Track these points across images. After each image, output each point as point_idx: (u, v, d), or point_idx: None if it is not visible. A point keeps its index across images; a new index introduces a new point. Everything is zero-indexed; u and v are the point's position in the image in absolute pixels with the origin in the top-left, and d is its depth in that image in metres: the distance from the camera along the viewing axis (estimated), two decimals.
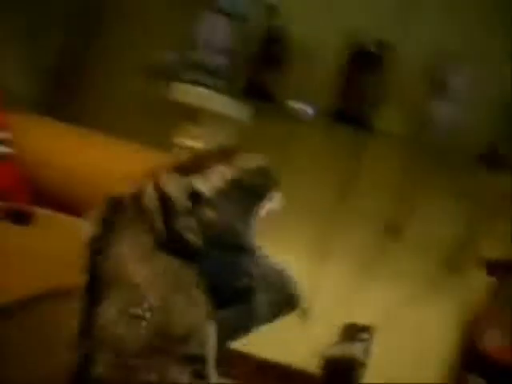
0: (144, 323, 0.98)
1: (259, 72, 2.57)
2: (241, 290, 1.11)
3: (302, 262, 2.69)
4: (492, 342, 2.19)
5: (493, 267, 2.20)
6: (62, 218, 1.73)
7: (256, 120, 2.59)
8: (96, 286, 1.03)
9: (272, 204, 1.17)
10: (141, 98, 2.76)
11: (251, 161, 1.17)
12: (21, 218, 1.48)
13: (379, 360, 2.61)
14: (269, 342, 2.64)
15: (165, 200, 1.04)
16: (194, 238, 1.04)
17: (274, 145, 2.65)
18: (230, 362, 2.64)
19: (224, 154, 1.16)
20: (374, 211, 2.64)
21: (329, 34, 2.61)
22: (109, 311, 1.00)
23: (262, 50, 2.56)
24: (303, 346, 2.64)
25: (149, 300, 1.00)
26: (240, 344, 2.65)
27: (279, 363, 2.66)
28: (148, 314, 0.99)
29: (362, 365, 1.66)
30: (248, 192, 1.15)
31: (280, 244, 2.70)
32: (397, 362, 2.61)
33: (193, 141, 2.39)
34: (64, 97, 2.85)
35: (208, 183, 1.09)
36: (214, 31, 2.49)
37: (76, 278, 1.28)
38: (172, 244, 1.04)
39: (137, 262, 1.02)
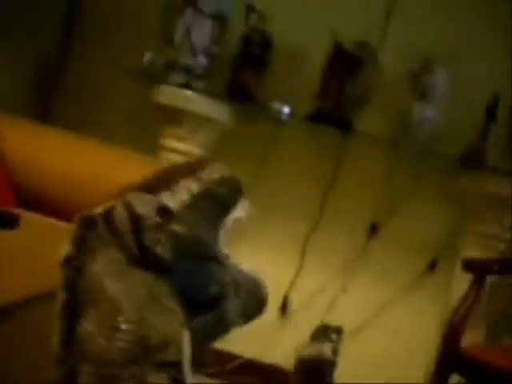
0: (121, 335, 1.03)
1: (241, 73, 2.57)
2: (212, 298, 1.18)
3: (284, 260, 2.70)
4: (472, 341, 2.22)
5: (470, 265, 2.23)
6: (49, 221, 1.72)
7: (238, 121, 2.60)
8: (74, 303, 1.07)
9: (239, 213, 1.21)
10: (125, 100, 2.75)
11: (216, 172, 1.22)
12: (7, 222, 1.47)
13: (359, 360, 2.64)
14: (251, 341, 2.66)
15: (134, 218, 1.08)
16: (163, 251, 1.08)
17: (256, 146, 2.67)
18: (215, 361, 2.66)
19: (189, 168, 1.22)
20: (355, 211, 2.66)
21: (310, 35, 2.63)
22: (88, 325, 1.05)
23: (243, 52, 2.57)
24: (284, 344, 2.65)
25: (125, 313, 1.04)
26: (224, 344, 2.67)
27: (261, 362, 2.67)
28: (125, 326, 1.03)
29: (332, 364, 1.72)
30: (215, 203, 1.20)
31: (261, 243, 2.71)
32: (376, 362, 2.64)
33: (177, 142, 2.40)
34: (47, 100, 2.84)
35: (175, 198, 1.14)
36: (196, 33, 2.49)
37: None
38: (144, 259, 1.08)
39: (111, 278, 1.07)
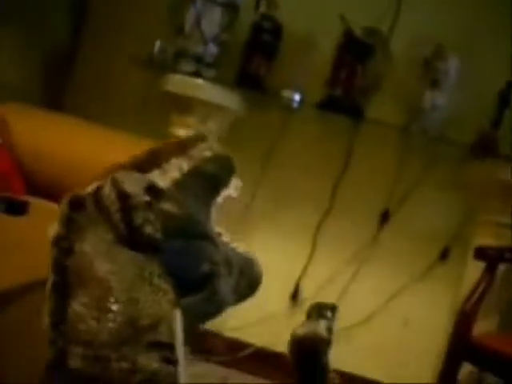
0: (112, 315, 1.02)
1: (251, 61, 2.56)
2: (204, 276, 1.15)
3: (295, 249, 2.70)
4: (484, 330, 2.21)
5: (482, 253, 2.21)
6: (57, 207, 1.72)
7: (249, 109, 2.59)
8: (63, 284, 1.06)
9: (230, 191, 1.20)
10: (135, 89, 2.75)
11: (207, 150, 1.18)
12: (16, 208, 1.48)
13: (370, 348, 2.63)
14: (262, 329, 2.66)
15: (122, 196, 1.06)
16: (152, 231, 1.06)
17: (267, 134, 2.66)
18: (226, 349, 2.67)
19: (180, 146, 1.19)
20: (366, 199, 2.65)
21: (321, 22, 2.61)
22: (77, 306, 1.04)
23: (254, 39, 2.56)
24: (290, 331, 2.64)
25: (115, 293, 1.03)
26: (236, 332, 2.67)
27: (272, 351, 2.67)
28: (115, 307, 1.03)
29: (326, 342, 1.70)
30: (206, 181, 1.18)
31: (273, 232, 2.71)
32: (387, 351, 2.63)
33: (187, 131, 2.39)
34: (59, 90, 2.84)
35: (165, 176, 1.12)
36: (206, 21, 2.48)
37: None
38: (133, 239, 1.07)
39: (100, 258, 1.06)
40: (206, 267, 1.14)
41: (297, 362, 1.47)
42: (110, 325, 1.02)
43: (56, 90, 2.82)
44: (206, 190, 1.18)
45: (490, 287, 2.18)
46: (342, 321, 2.58)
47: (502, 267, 2.26)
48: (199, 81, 2.40)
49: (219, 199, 1.19)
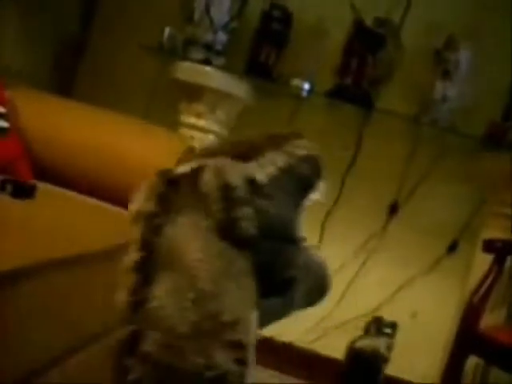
0: (194, 306, 0.98)
1: (261, 49, 2.55)
2: (287, 281, 1.11)
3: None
4: (492, 322, 2.20)
5: (491, 245, 2.20)
6: (64, 192, 1.72)
7: (257, 98, 2.58)
8: (148, 265, 1.01)
9: (317, 195, 1.14)
10: (145, 77, 2.74)
11: (302, 148, 1.11)
12: (23, 191, 1.48)
13: None
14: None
15: (224, 187, 1.01)
16: (249, 227, 1.02)
17: (276, 122, 2.64)
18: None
19: (275, 140, 1.11)
20: (375, 190, 2.64)
21: (331, 11, 2.60)
22: (160, 291, 0.99)
23: (263, 28, 2.55)
24: (301, 323, 2.65)
25: (200, 284, 0.98)
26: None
27: (278, 341, 2.66)
28: (199, 297, 0.98)
29: (386, 360, 1.68)
30: (299, 181, 1.11)
31: None
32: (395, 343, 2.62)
33: (196, 119, 2.38)
34: (66, 74, 2.84)
35: (263, 170, 1.06)
36: (216, 9, 2.47)
37: (76, 248, 1.29)
38: (227, 231, 1.02)
39: (192, 245, 1.01)
40: (291, 272, 1.10)
41: (352, 374, 1.44)
42: (191, 316, 0.97)
43: (65, 77, 2.82)
44: (298, 191, 1.11)
45: (498, 280, 2.17)
46: (349, 312, 2.61)
47: (510, 260, 2.25)
48: (209, 68, 2.39)
49: (307, 202, 1.13)
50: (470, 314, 2.14)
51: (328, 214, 2.64)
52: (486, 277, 2.16)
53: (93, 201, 1.73)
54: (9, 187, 1.45)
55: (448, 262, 2.60)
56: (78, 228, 1.43)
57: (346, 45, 2.51)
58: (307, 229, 2.69)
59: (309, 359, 2.66)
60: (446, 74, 2.43)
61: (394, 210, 2.63)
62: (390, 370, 2.55)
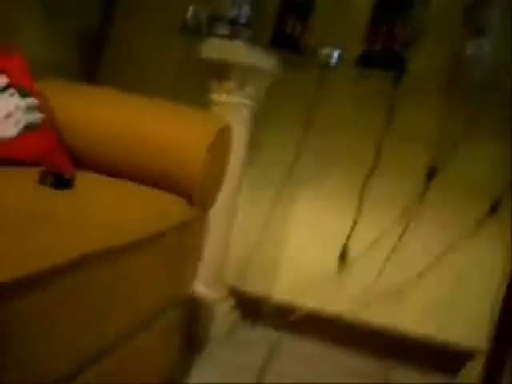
0: None
1: (286, 21, 2.50)
2: None
3: (341, 209, 2.66)
4: None
5: None
6: (104, 180, 1.72)
7: (286, 69, 2.54)
8: None
9: None
10: (172, 57, 2.72)
11: None
12: (62, 183, 1.47)
13: (421, 307, 2.60)
14: (311, 291, 2.65)
15: None
16: None
17: (306, 94, 2.61)
18: (274, 313, 2.66)
19: None
20: (412, 156, 2.59)
21: None
22: None
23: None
24: (344, 293, 2.64)
25: None
26: (285, 295, 2.66)
27: (322, 313, 2.66)
28: None
29: None
30: None
31: (318, 192, 2.67)
32: (439, 310, 2.60)
33: (226, 96, 2.35)
34: (91, 61, 2.83)
35: None
36: None
37: (119, 239, 1.28)
38: None
39: None
40: None
41: None
42: None
43: (91, 64, 2.80)
44: None
45: None
46: (392, 279, 2.59)
47: None
48: (235, 43, 2.36)
49: None
50: None
51: (365, 182, 2.61)
52: None
53: (133, 185, 1.72)
54: (49, 179, 1.44)
55: (490, 225, 2.56)
56: (122, 215, 1.42)
57: (373, 9, 2.45)
58: (345, 197, 2.68)
59: (356, 330, 2.65)
60: (479, 32, 2.37)
61: (432, 173, 2.58)
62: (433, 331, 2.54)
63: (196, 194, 1.72)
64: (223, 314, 2.49)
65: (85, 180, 1.63)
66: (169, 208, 1.62)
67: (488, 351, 2.16)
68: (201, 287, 2.33)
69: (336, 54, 2.45)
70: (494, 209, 2.55)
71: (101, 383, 1.26)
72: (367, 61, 2.44)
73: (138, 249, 1.33)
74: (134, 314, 1.39)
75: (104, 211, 1.37)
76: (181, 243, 1.65)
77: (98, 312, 1.20)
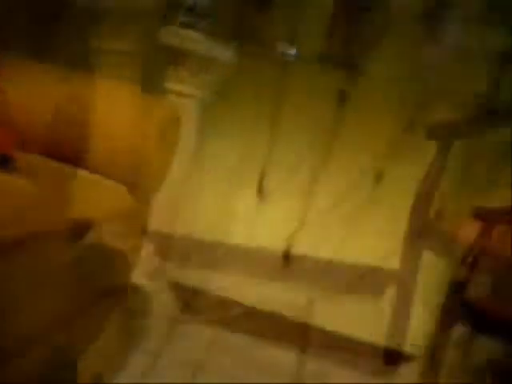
0: None
1: (246, 13, 2.50)
2: None
3: (281, 215, 2.67)
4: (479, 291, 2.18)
5: (481, 213, 2.17)
6: (48, 163, 1.69)
7: (243, 61, 2.53)
8: None
9: None
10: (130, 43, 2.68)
11: None
12: (4, 163, 1.44)
13: None
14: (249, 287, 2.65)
15: None
16: None
17: (261, 87, 2.61)
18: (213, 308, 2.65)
19: None
20: (361, 155, 2.61)
21: None
22: None
23: None
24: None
25: None
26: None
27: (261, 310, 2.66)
28: None
29: None
30: None
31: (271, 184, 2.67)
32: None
33: (181, 85, 2.34)
34: (51, 41, 2.77)
35: None
36: None
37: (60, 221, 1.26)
38: None
39: None
40: None
41: None
42: None
43: (49, 45, 2.74)
44: None
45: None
46: None
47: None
48: (192, 32, 2.34)
49: None
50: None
51: (314, 177, 2.61)
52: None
53: (71, 170, 1.69)
54: None
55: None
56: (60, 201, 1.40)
57: (334, 7, 2.46)
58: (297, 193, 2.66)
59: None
60: (436, 39, 2.39)
61: (379, 175, 2.59)
62: None
63: (138, 182, 1.70)
64: (162, 305, 2.47)
65: (31, 163, 1.60)
66: (102, 196, 1.59)
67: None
68: (139, 278, 2.31)
69: (293, 49, 2.45)
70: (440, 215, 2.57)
71: None
72: (325, 58, 2.45)
73: (55, 238, 1.31)
74: (65, 304, 1.37)
75: (39, 195, 1.34)
76: (114, 232, 1.63)
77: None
